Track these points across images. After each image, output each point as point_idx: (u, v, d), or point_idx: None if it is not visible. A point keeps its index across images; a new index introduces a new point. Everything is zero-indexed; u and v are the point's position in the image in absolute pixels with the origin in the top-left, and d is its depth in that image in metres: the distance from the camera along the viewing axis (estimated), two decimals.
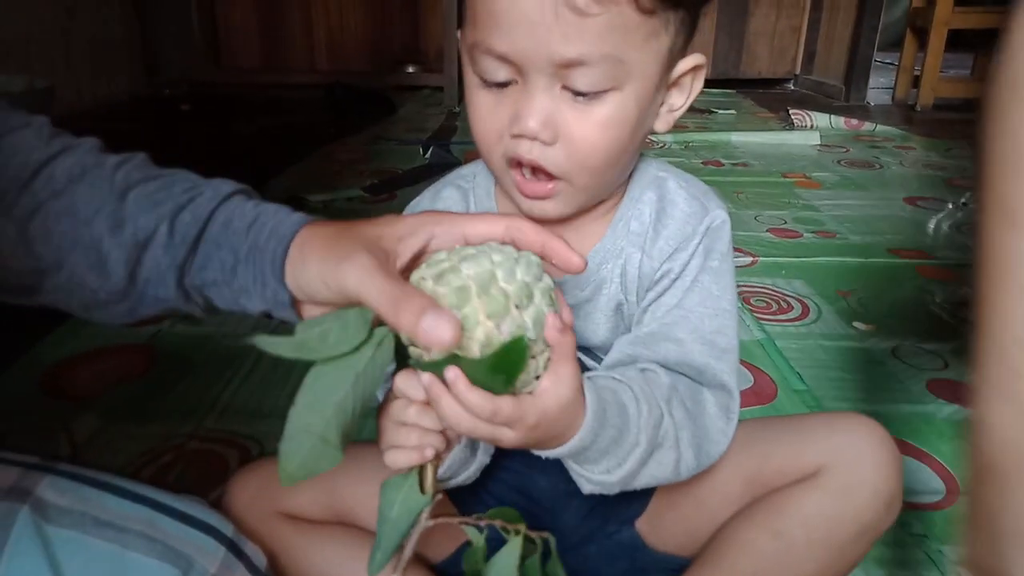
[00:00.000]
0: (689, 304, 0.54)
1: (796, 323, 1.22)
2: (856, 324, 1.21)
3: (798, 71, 4.05)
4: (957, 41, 3.14)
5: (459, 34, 0.52)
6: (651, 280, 0.56)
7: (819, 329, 1.20)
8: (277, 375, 1.00)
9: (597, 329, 0.57)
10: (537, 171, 0.50)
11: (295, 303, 0.44)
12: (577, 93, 0.47)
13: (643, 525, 0.62)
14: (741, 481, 0.57)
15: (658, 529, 0.61)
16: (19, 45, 2.43)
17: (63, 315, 1.11)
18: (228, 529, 0.48)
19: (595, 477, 0.48)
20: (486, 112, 0.49)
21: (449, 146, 2.40)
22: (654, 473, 0.50)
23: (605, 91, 0.47)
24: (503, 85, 0.48)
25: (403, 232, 0.42)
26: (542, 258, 0.42)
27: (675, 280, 0.55)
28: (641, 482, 0.50)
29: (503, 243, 0.42)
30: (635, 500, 0.61)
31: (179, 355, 1.06)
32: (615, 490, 0.49)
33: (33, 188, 0.43)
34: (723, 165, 2.28)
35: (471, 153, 2.31)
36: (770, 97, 3.61)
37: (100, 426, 0.88)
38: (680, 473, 0.52)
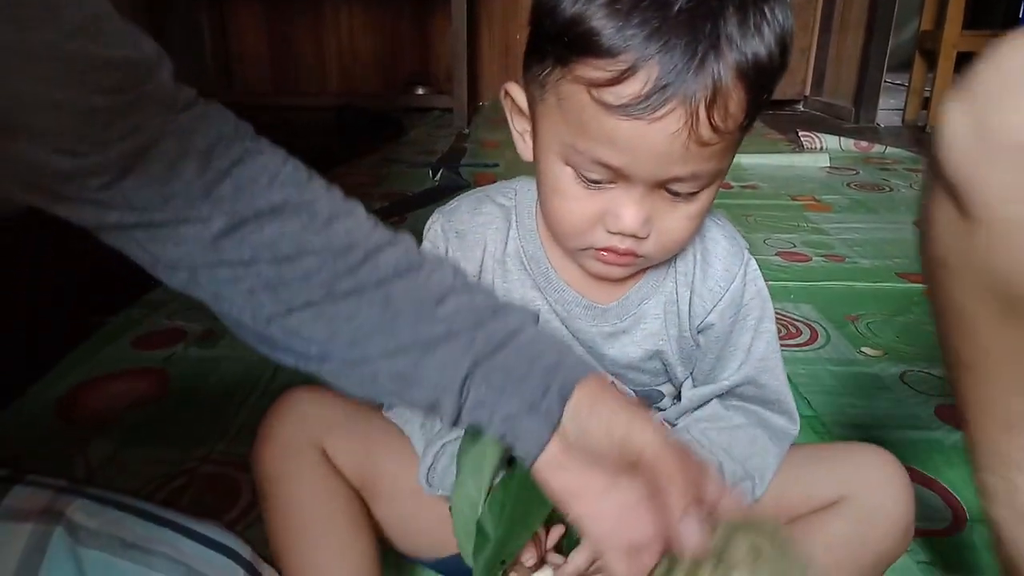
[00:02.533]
0: (759, 352, 0.61)
1: (804, 348, 1.23)
2: (864, 349, 1.23)
3: (807, 92, 4.08)
4: (967, 63, 3.17)
5: (513, 87, 0.56)
6: (702, 318, 0.61)
7: (827, 354, 1.21)
8: None
9: (628, 355, 0.62)
10: (625, 253, 0.54)
11: (551, 437, 0.44)
12: (676, 194, 0.51)
13: None
14: (763, 510, 0.60)
15: None
16: None
17: (76, 340, 1.15)
18: (246, 552, 0.50)
19: None
20: (578, 204, 0.52)
21: (459, 168, 2.44)
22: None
23: (702, 191, 0.51)
24: (599, 182, 0.50)
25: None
26: None
27: (735, 324, 0.61)
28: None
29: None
30: None
31: (192, 378, 1.09)
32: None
33: (358, 274, 0.45)
34: (732, 187, 2.31)
35: (481, 175, 2.34)
36: (779, 119, 3.64)
37: (114, 449, 0.91)
38: (756, 495, 0.59)
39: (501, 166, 2.40)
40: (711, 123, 0.45)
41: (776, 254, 1.69)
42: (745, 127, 0.48)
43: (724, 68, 0.43)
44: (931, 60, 3.27)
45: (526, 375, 0.44)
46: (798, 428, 0.62)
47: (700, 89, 0.43)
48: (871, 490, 0.57)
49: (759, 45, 0.44)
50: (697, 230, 0.55)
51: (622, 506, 0.42)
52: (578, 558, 0.49)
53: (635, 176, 0.48)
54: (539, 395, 0.43)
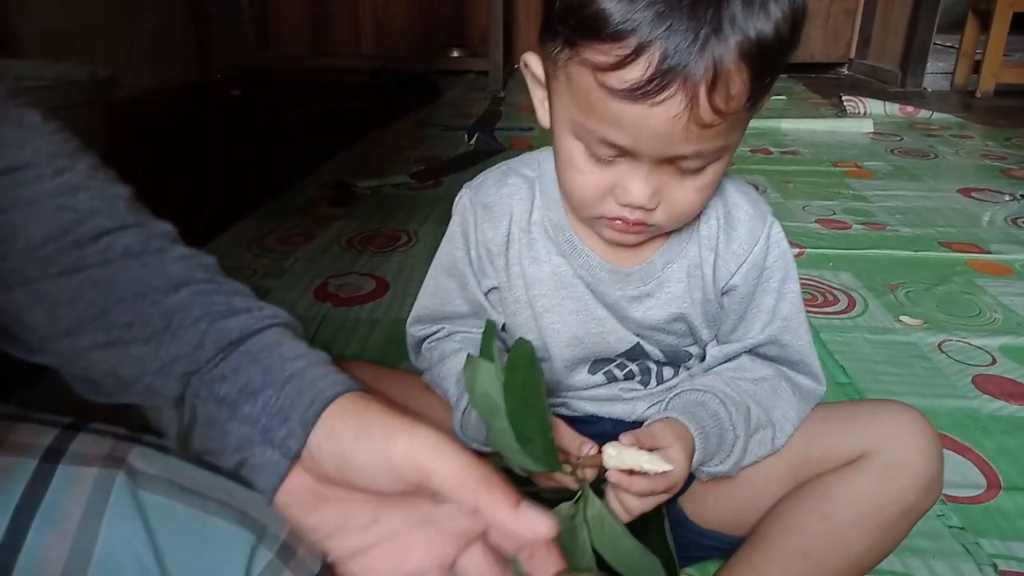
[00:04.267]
0: (783, 313, 0.61)
1: (842, 316, 1.22)
2: (903, 318, 1.22)
3: (852, 55, 3.96)
4: (1022, 24, 3.04)
5: (531, 57, 0.56)
6: (726, 281, 0.62)
7: (865, 322, 1.20)
8: None
9: (653, 317, 0.63)
10: (635, 223, 0.55)
11: (290, 469, 0.38)
12: (684, 170, 0.51)
13: (687, 502, 0.65)
14: (786, 464, 0.61)
15: (701, 507, 0.65)
16: (82, 36, 2.53)
17: None
18: None
19: (711, 470, 0.59)
20: (588, 178, 0.53)
21: (494, 132, 2.43)
22: (756, 452, 0.60)
23: (708, 165, 0.52)
24: (608, 157, 0.51)
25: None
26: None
27: (758, 285, 0.61)
28: (748, 460, 0.60)
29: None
30: None
31: None
32: (731, 474, 0.60)
33: (85, 250, 0.40)
34: (771, 153, 2.27)
35: (516, 139, 2.33)
36: (822, 82, 3.55)
37: None
38: (776, 445, 0.61)
39: (536, 130, 2.39)
40: (712, 106, 0.45)
41: (815, 221, 1.67)
42: (751, 106, 0.48)
43: (726, 50, 0.43)
44: (984, 20, 3.14)
45: (260, 389, 0.37)
46: (824, 389, 0.63)
47: (701, 73, 0.43)
48: (895, 445, 0.57)
49: (765, 23, 0.44)
50: (707, 200, 0.56)
51: (392, 538, 0.37)
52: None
53: (641, 154, 0.49)
54: (276, 420, 0.37)
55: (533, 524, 0.31)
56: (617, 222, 0.55)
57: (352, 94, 3.17)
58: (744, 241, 0.61)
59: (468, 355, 0.54)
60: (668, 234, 0.61)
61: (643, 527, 0.55)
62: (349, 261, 1.41)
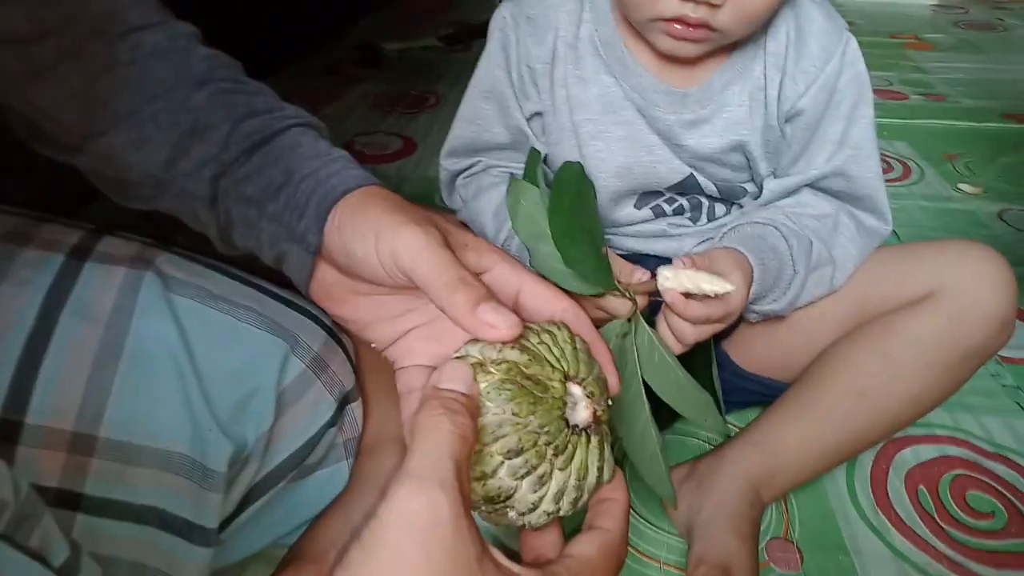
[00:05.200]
0: (853, 140, 0.56)
1: (896, 183, 1.16)
2: (961, 186, 1.15)
3: None
4: None
5: None
6: (792, 104, 0.55)
7: (920, 190, 1.14)
8: None
9: (708, 145, 0.57)
10: (697, 25, 0.49)
11: (315, 263, 0.37)
12: None
13: (732, 345, 0.63)
14: (844, 306, 0.57)
15: (748, 350, 0.62)
16: None
17: None
18: (327, 318, 0.50)
19: (764, 308, 0.55)
20: None
21: None
22: (814, 291, 0.56)
23: None
24: None
25: (470, 242, 0.35)
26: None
27: (827, 110, 0.55)
28: (804, 300, 0.56)
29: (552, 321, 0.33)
30: None
31: None
32: (784, 313, 0.56)
33: (115, 48, 0.39)
34: None
35: None
36: None
37: None
38: (835, 285, 0.57)
39: None
40: None
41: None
42: None
43: None
44: None
45: (282, 187, 0.37)
46: (890, 228, 0.58)
47: None
48: (965, 284, 0.53)
49: None
50: (779, 3, 0.50)
51: (428, 324, 0.36)
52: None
53: None
54: (295, 216, 0.36)
55: (493, 324, 0.29)
56: (676, 26, 0.49)
57: None
58: (816, 59, 0.54)
59: (511, 176, 0.50)
60: (730, 50, 0.55)
61: (689, 364, 0.53)
62: (376, 121, 1.36)
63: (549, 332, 0.30)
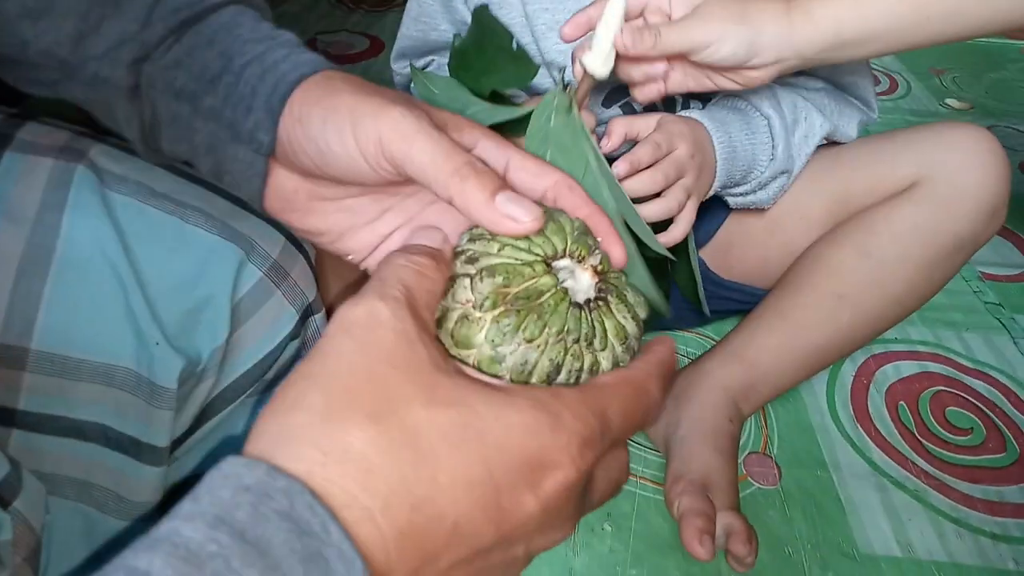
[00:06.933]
0: None
1: (882, 97, 1.13)
2: (949, 101, 1.13)
3: None
4: None
5: None
6: None
7: (907, 104, 1.12)
8: None
9: None
10: None
11: (269, 167, 0.31)
12: None
13: (709, 252, 0.60)
14: (823, 203, 0.55)
15: (726, 256, 0.60)
16: None
17: None
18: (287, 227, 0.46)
19: (747, 197, 0.53)
20: None
21: None
22: (802, 151, 0.53)
23: None
24: None
25: (448, 120, 0.30)
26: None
27: None
28: (797, 165, 0.53)
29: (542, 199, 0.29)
30: (701, 225, 0.59)
31: None
32: (791, 168, 0.53)
33: None
34: None
35: None
36: None
37: None
38: (822, 131, 0.53)
39: None
40: None
41: None
42: None
43: None
44: None
45: (219, 75, 0.31)
46: (876, 116, 0.56)
47: None
48: (952, 170, 0.51)
49: None
50: None
51: (408, 223, 0.32)
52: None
53: None
54: (240, 111, 0.30)
55: (511, 215, 0.25)
56: None
57: None
58: None
59: (410, 65, 0.47)
60: None
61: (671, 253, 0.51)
62: (340, 19, 1.28)
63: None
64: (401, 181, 0.28)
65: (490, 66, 0.44)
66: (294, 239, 0.46)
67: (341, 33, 1.22)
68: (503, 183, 0.26)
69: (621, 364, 0.25)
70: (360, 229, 0.32)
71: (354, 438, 0.19)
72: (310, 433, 0.19)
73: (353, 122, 0.28)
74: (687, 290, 0.57)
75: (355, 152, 0.28)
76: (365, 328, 0.21)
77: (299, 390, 0.20)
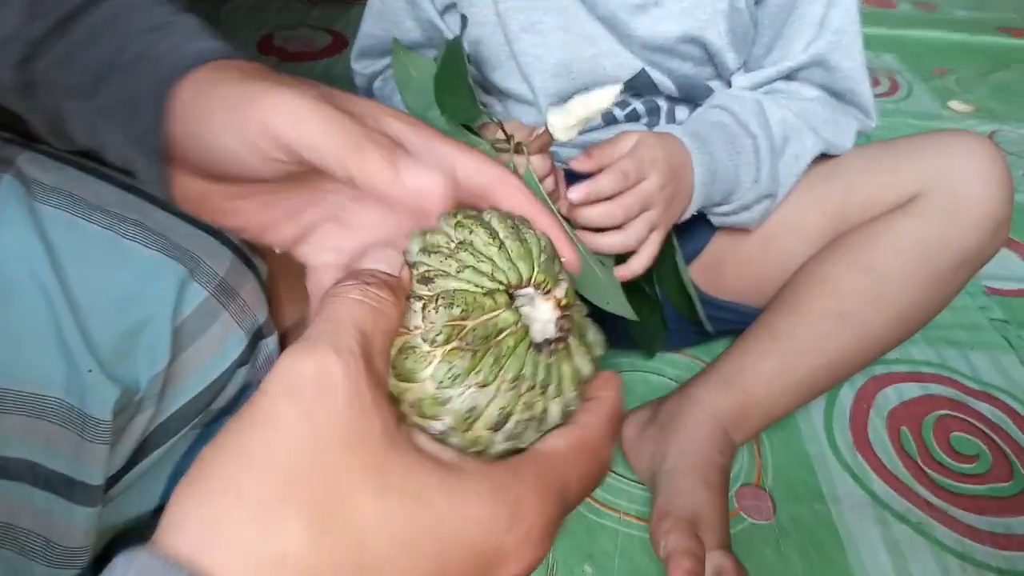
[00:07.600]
0: (835, 23, 0.53)
1: (883, 99, 1.15)
2: (952, 104, 1.15)
3: None
4: None
5: None
6: None
7: (908, 107, 1.13)
8: None
9: (661, 34, 0.54)
10: None
11: (169, 173, 0.30)
12: None
13: (697, 269, 0.60)
14: (819, 216, 0.55)
15: (716, 273, 0.60)
16: None
17: None
18: (234, 236, 0.46)
19: (734, 218, 0.54)
20: None
21: None
22: (790, 171, 0.54)
23: None
24: None
25: (366, 110, 0.28)
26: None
27: None
28: (783, 188, 0.54)
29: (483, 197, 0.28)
30: (689, 241, 0.59)
31: None
32: (776, 192, 0.54)
33: None
34: None
35: None
36: None
37: None
38: (814, 150, 0.54)
39: None
40: None
41: None
42: None
43: None
44: None
45: (107, 75, 0.30)
46: (874, 123, 0.57)
47: None
48: (956, 181, 0.51)
49: None
50: None
51: (336, 214, 0.31)
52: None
53: None
54: (129, 113, 0.29)
55: (417, 183, 0.24)
56: None
57: None
58: None
59: (394, 40, 0.48)
60: None
61: (658, 272, 0.51)
62: (300, 13, 1.28)
63: (468, 228, 0.25)
64: (306, 170, 0.26)
65: (445, 97, 0.47)
66: (243, 255, 0.46)
67: (301, 28, 1.22)
68: (404, 151, 0.25)
69: (570, 408, 0.25)
70: (282, 224, 0.31)
71: (292, 543, 0.18)
72: (242, 533, 0.18)
73: (232, 110, 0.26)
74: (683, 309, 0.57)
75: (239, 144, 0.26)
76: (315, 391, 0.20)
77: (232, 470, 0.19)
